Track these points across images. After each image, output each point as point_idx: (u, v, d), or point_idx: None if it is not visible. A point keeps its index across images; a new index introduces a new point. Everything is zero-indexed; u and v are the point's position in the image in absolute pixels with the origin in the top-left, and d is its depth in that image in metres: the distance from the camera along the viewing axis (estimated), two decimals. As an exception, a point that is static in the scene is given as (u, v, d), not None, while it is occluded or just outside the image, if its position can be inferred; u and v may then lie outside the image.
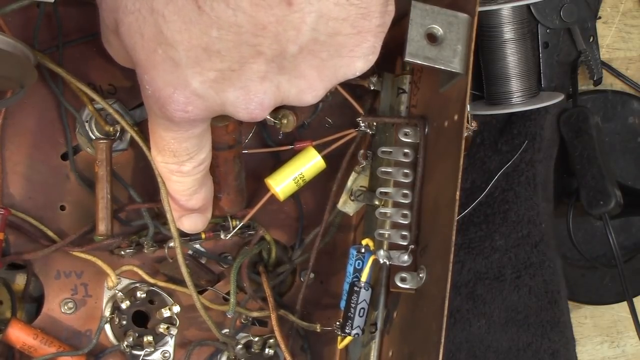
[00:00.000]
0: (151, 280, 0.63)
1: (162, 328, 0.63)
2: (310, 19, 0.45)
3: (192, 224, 0.58)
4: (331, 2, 0.45)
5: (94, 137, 0.60)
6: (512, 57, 0.73)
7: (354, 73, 0.49)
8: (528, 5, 0.76)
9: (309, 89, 0.49)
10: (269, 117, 0.63)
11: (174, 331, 0.63)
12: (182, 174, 0.54)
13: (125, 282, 0.63)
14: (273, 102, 0.48)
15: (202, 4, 0.44)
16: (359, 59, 0.48)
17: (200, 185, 0.56)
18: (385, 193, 0.59)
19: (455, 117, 0.53)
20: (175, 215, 0.58)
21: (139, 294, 0.63)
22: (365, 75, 0.63)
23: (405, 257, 0.57)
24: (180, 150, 0.52)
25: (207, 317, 0.60)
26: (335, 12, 0.46)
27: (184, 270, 0.58)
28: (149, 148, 0.55)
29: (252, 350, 0.65)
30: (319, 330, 0.64)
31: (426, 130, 0.58)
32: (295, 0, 0.44)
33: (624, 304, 0.81)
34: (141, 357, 0.63)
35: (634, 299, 0.81)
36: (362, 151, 0.63)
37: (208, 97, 0.47)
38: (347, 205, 0.64)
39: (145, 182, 0.62)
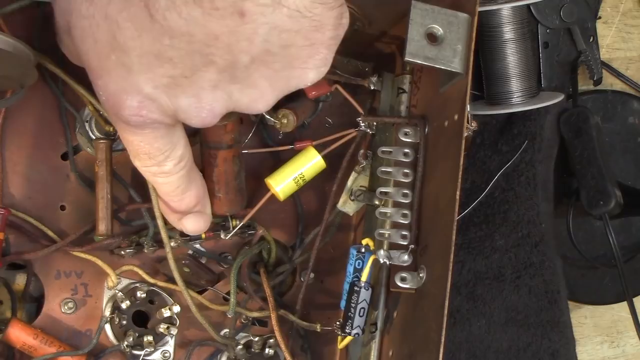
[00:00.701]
0: (151, 280, 0.63)
1: (162, 328, 0.63)
2: (263, 30, 0.45)
3: (193, 224, 0.58)
4: (284, 14, 0.45)
5: (94, 137, 0.60)
6: (512, 57, 0.74)
7: (306, 83, 0.49)
8: (528, 5, 0.76)
9: (260, 98, 0.49)
10: (269, 117, 0.63)
11: (174, 331, 0.64)
12: (165, 174, 0.53)
13: (125, 282, 0.63)
14: (224, 110, 0.49)
15: (154, 12, 0.44)
16: (311, 70, 0.48)
17: (189, 183, 0.55)
18: (385, 193, 0.59)
19: (455, 117, 0.53)
20: (174, 219, 0.57)
21: (139, 293, 0.63)
22: (365, 75, 0.63)
23: (406, 257, 0.57)
24: (153, 152, 0.51)
25: (203, 320, 0.60)
26: (288, 24, 0.46)
27: (177, 277, 0.58)
28: None
29: (252, 350, 0.65)
30: (319, 330, 0.64)
31: (426, 130, 0.58)
32: (247, 11, 0.44)
33: (624, 304, 0.81)
34: (141, 357, 0.63)
35: (634, 299, 0.81)
36: (362, 151, 0.63)
37: (161, 101, 0.47)
38: (347, 205, 0.64)
39: (145, 182, 0.61)
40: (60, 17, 0.48)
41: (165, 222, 0.58)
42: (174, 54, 0.45)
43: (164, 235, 0.58)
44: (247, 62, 0.47)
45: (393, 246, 0.58)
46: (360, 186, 0.63)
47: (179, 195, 0.56)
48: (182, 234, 0.61)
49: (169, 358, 0.64)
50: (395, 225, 0.58)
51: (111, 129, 0.60)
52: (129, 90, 0.46)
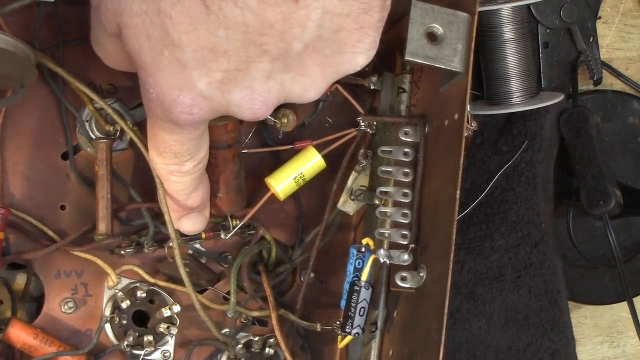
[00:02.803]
0: (151, 280, 0.63)
1: (162, 327, 0.63)
2: (316, 15, 0.45)
3: (191, 224, 0.58)
4: None
5: (94, 137, 0.60)
6: (512, 57, 0.74)
7: (355, 68, 0.50)
8: (528, 5, 0.76)
9: (312, 86, 0.49)
10: (269, 116, 0.63)
11: (174, 331, 0.64)
12: (182, 173, 0.54)
13: (125, 281, 0.63)
14: (277, 101, 0.49)
15: (210, 4, 0.44)
16: (360, 54, 0.49)
17: (199, 183, 0.56)
18: (386, 192, 0.59)
19: (456, 116, 0.53)
20: (173, 217, 0.58)
21: (139, 293, 0.63)
22: (365, 75, 0.63)
23: (406, 257, 0.57)
24: (182, 152, 0.52)
25: (206, 318, 0.60)
26: (339, 7, 0.46)
27: (182, 273, 0.58)
28: (147, 149, 0.55)
29: (252, 349, 0.65)
30: (319, 329, 0.64)
31: (426, 129, 0.58)
32: None
33: (624, 304, 0.81)
34: (141, 357, 0.63)
35: (634, 299, 0.81)
36: (362, 150, 0.63)
37: (213, 98, 0.47)
38: (347, 205, 0.64)
39: (145, 182, 0.62)
40: (109, 19, 0.47)
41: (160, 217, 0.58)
42: (229, 46, 0.45)
43: (171, 230, 0.58)
44: (300, 50, 0.47)
45: (393, 245, 0.58)
46: (361, 186, 0.63)
47: (187, 195, 0.56)
48: (182, 234, 0.61)
49: (169, 358, 0.64)
50: (396, 225, 0.58)
51: (111, 128, 0.60)
52: (182, 87, 0.46)
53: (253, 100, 0.48)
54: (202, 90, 0.46)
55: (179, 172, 0.54)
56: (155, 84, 0.46)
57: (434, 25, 0.53)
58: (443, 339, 0.50)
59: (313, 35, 0.46)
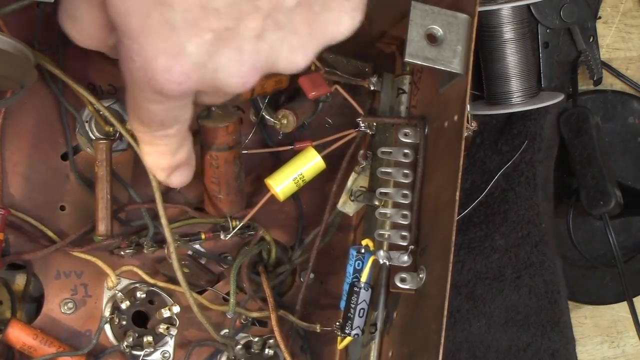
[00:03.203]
0: (151, 281, 0.63)
1: (161, 328, 0.63)
2: None
3: (180, 177, 0.56)
4: None
5: (94, 138, 0.60)
6: (512, 57, 0.74)
7: (342, 32, 0.48)
8: (528, 5, 0.76)
9: (301, 46, 0.47)
10: (268, 117, 0.63)
11: (173, 331, 0.64)
12: (169, 137, 0.52)
13: (125, 282, 0.63)
14: (265, 65, 0.47)
15: None
16: (346, 13, 0.47)
17: (184, 139, 0.54)
18: (385, 193, 0.59)
19: (455, 118, 0.53)
20: (162, 176, 0.56)
21: (138, 294, 0.63)
22: (365, 76, 0.63)
23: (405, 258, 0.57)
24: (168, 119, 0.50)
25: (203, 319, 0.60)
26: None
27: (179, 277, 0.58)
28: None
29: (252, 350, 0.65)
30: (318, 330, 0.64)
31: (426, 130, 0.58)
32: None
33: (624, 304, 0.81)
34: (141, 357, 0.63)
35: (634, 299, 0.81)
36: (362, 151, 0.63)
37: (201, 64, 0.45)
38: (347, 206, 0.64)
39: (145, 182, 0.62)
40: None
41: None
42: (221, 3, 0.43)
43: (167, 234, 0.58)
44: (292, 5, 0.45)
45: (393, 247, 0.58)
46: (360, 187, 0.63)
47: (174, 153, 0.54)
48: (182, 235, 0.61)
49: (168, 358, 0.64)
50: (395, 226, 0.58)
51: (111, 129, 0.60)
52: (170, 52, 0.44)
53: (242, 63, 0.46)
54: (191, 54, 0.44)
55: (165, 136, 0.52)
56: (141, 50, 0.44)
57: (433, 26, 0.53)
58: (443, 341, 0.50)
59: None
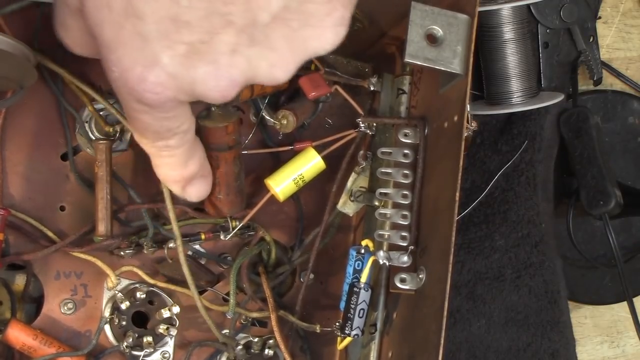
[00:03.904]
0: (151, 281, 0.63)
1: (161, 329, 0.63)
2: None
3: (196, 190, 0.57)
4: None
5: (94, 138, 0.60)
6: (512, 57, 0.74)
7: (324, 47, 0.48)
8: (528, 5, 0.76)
9: (279, 62, 0.47)
10: (268, 117, 0.63)
11: (173, 332, 0.64)
12: (171, 148, 0.52)
13: (124, 282, 0.63)
14: (244, 78, 0.47)
15: None
16: (328, 29, 0.47)
17: (192, 151, 0.54)
18: (385, 194, 0.59)
19: (455, 118, 0.53)
20: (177, 189, 0.56)
21: (138, 294, 0.63)
22: (365, 76, 0.63)
23: (405, 258, 0.57)
24: (161, 130, 0.50)
25: (207, 317, 0.60)
26: None
27: (185, 270, 0.58)
28: None
29: (252, 350, 0.65)
30: (318, 331, 0.64)
31: (426, 131, 0.58)
32: None
33: (624, 304, 0.82)
34: (141, 358, 0.63)
35: (634, 299, 0.81)
36: (361, 152, 0.63)
37: (178, 75, 0.45)
38: (347, 206, 0.64)
39: (145, 183, 0.62)
40: None
41: (166, 219, 0.58)
42: (192, 16, 0.43)
43: (175, 229, 0.58)
44: (266, 21, 0.45)
45: (393, 247, 0.58)
46: (360, 187, 0.63)
47: (184, 164, 0.54)
48: (182, 235, 0.61)
49: (168, 359, 0.64)
50: (395, 226, 0.58)
51: (111, 129, 0.60)
52: (144, 63, 0.44)
53: (219, 77, 0.46)
54: (166, 65, 0.45)
55: (167, 148, 0.52)
56: (118, 61, 0.45)
57: (433, 27, 0.53)
58: (442, 341, 0.50)
59: (279, 5, 0.45)
